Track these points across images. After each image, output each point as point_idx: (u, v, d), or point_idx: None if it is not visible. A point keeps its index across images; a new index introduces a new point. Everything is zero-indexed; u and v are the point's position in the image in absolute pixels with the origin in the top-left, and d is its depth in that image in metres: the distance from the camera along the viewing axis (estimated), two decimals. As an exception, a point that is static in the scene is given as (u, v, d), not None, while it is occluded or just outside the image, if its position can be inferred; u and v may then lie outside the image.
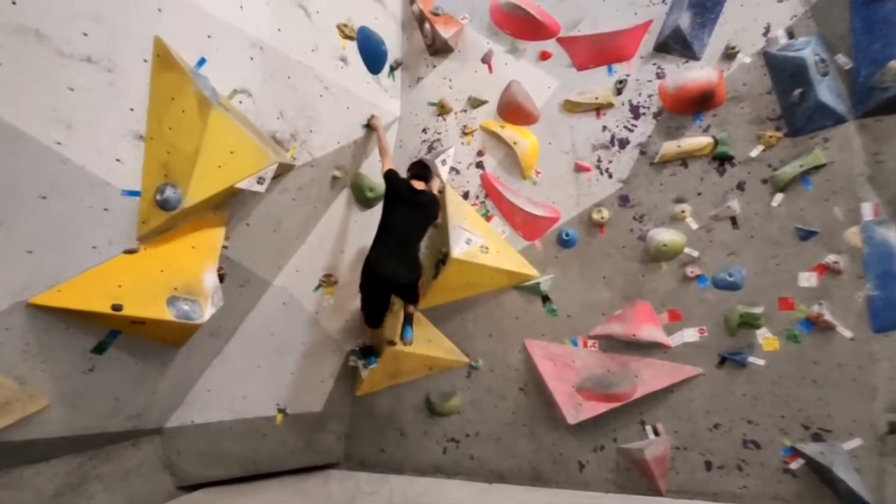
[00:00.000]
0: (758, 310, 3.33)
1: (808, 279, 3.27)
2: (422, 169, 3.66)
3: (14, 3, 2.17)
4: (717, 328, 3.47)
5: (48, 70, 2.30)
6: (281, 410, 4.04)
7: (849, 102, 3.14)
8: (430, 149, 4.19)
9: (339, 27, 3.64)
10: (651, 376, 3.51)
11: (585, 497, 3.52)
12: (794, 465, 3.23)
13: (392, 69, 4.13)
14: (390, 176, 3.56)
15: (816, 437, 3.20)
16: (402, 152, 4.17)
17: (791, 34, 3.28)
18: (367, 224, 4.20)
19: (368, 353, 4.07)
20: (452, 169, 4.13)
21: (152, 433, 3.59)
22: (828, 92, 3.13)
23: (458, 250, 3.72)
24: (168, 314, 2.73)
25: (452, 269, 3.75)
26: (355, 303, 4.12)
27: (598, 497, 3.55)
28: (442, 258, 3.90)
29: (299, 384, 4.12)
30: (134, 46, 2.58)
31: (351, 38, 3.73)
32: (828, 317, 3.18)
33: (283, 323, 3.92)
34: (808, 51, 3.13)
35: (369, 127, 3.82)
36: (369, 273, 3.52)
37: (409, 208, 3.51)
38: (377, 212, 4.10)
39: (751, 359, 3.38)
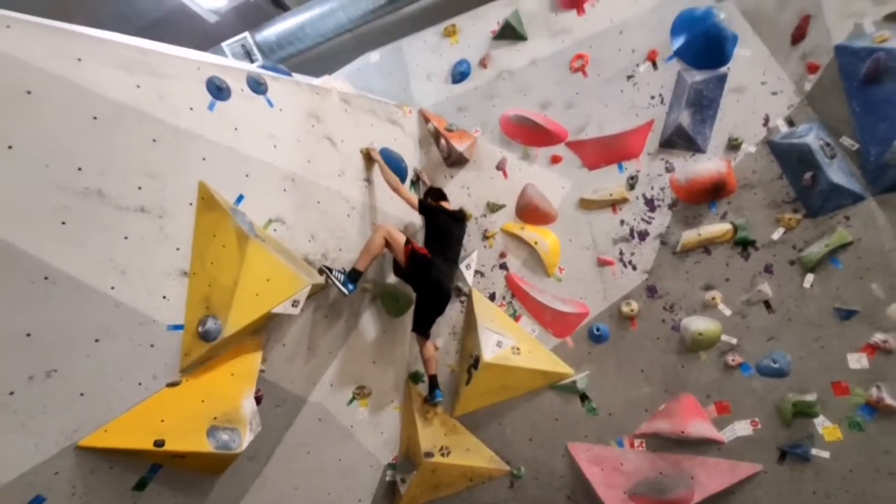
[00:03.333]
0: (811, 397, 3.16)
1: (858, 361, 3.13)
2: (440, 193, 4.10)
3: (80, 169, 2.46)
4: (770, 419, 3.28)
5: (107, 224, 2.54)
6: (322, 533, 3.85)
7: (863, 181, 3.19)
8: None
9: (362, 152, 3.95)
10: (708, 477, 3.28)
11: None
12: (887, 574, 2.89)
13: (413, 183, 4.39)
14: (426, 204, 3.88)
15: (906, 540, 2.89)
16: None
17: (791, 122, 3.42)
18: (396, 332, 4.26)
19: (353, 278, 3.49)
20: (477, 272, 4.22)
21: (189, 570, 3.44)
22: (839, 173, 3.20)
23: (489, 354, 3.71)
24: (208, 446, 2.74)
25: (485, 373, 3.72)
26: (389, 415, 4.07)
27: None
28: (474, 362, 3.87)
29: (345, 498, 3.96)
30: (181, 193, 2.84)
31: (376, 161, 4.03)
32: (889, 400, 3.00)
33: (319, 439, 3.86)
34: (812, 136, 3.25)
35: (368, 158, 3.94)
36: (435, 284, 3.66)
37: (454, 224, 3.90)
38: (406, 320, 4.19)
39: (814, 451, 3.15)
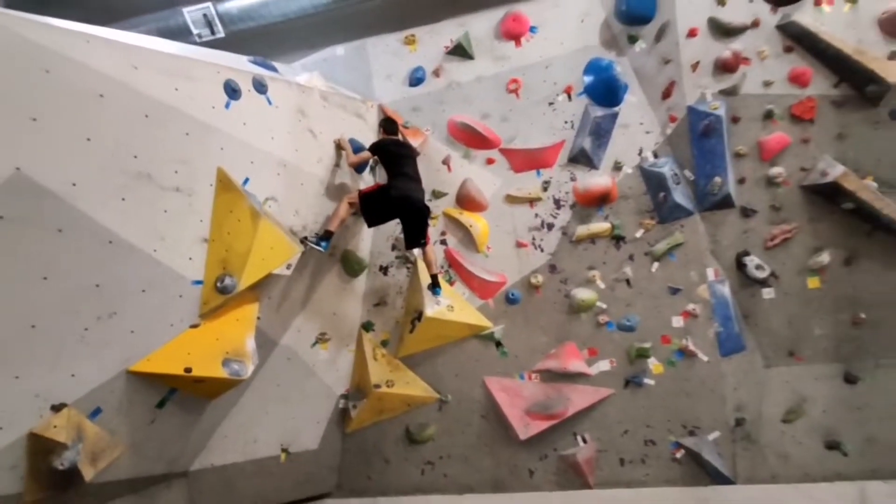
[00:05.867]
0: (647, 345, 4.71)
1: (678, 322, 4.71)
2: (392, 125, 4.81)
3: (135, 157, 3.11)
4: (621, 359, 4.80)
5: (153, 200, 3.22)
6: (284, 450, 4.79)
7: (694, 202, 4.69)
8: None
9: (335, 142, 4.75)
10: (579, 398, 4.75)
11: (538, 496, 4.62)
12: (679, 454, 4.56)
13: (372, 168, 5.26)
14: (378, 142, 4.63)
15: (691, 433, 4.56)
16: (381, 232, 5.24)
17: (656, 155, 4.83)
18: (354, 289, 5.21)
19: (326, 237, 4.32)
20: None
21: (181, 476, 4.27)
22: (681, 195, 4.67)
23: (430, 310, 4.81)
24: (223, 373, 3.59)
25: (426, 325, 4.83)
26: (344, 356, 5.08)
27: (546, 496, 4.65)
28: (417, 316, 4.95)
29: (299, 426, 4.92)
30: (204, 176, 3.54)
31: (344, 148, 4.84)
32: (692, 347, 4.61)
33: (287, 375, 4.75)
34: (667, 168, 4.68)
35: (339, 147, 4.72)
36: (399, 199, 4.31)
37: (407, 153, 4.61)
38: (361, 279, 5.16)
39: (646, 380, 4.71)
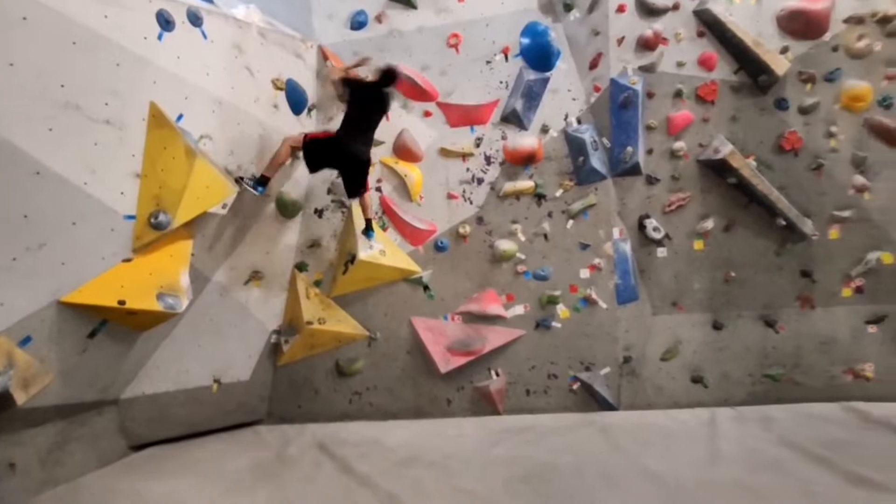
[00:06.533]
0: (557, 293, 5.31)
1: (585, 273, 5.32)
2: (390, 78, 4.50)
3: (63, 85, 3.03)
4: (535, 305, 5.38)
5: (82, 132, 3.18)
6: (216, 381, 5.01)
7: (608, 168, 5.20)
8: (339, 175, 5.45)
9: (273, 81, 4.71)
10: (495, 337, 5.31)
11: (453, 421, 5.21)
12: (575, 386, 5.30)
13: (310, 110, 5.27)
14: (364, 82, 4.48)
15: (587, 369, 5.29)
16: (317, 176, 5.33)
17: (579, 121, 5.24)
18: (288, 230, 5.33)
19: (262, 182, 4.42)
20: (358, 191, 5.45)
21: (111, 403, 4.41)
22: (597, 161, 5.16)
23: (363, 254, 5.08)
24: (158, 306, 3.72)
25: (359, 267, 5.10)
26: (277, 294, 5.27)
27: (461, 421, 5.26)
28: (350, 258, 5.20)
29: (231, 359, 5.12)
30: (136, 110, 3.50)
31: (281, 88, 4.82)
32: (595, 296, 5.26)
33: (220, 310, 4.90)
34: (588, 134, 5.12)
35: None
36: (347, 153, 4.43)
37: (381, 109, 4.59)
38: (296, 221, 5.29)
39: (554, 323, 5.34)
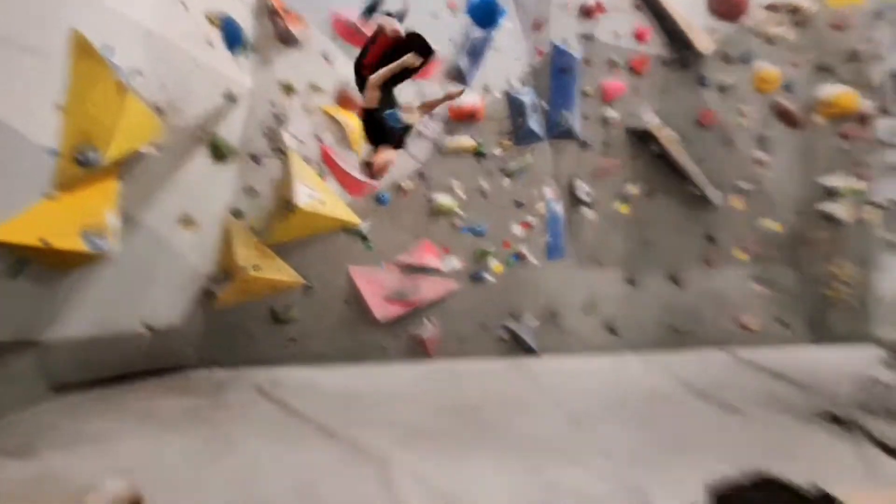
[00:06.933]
0: (492, 248, 5.60)
1: (518, 230, 5.64)
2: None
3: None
4: (470, 259, 5.66)
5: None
6: (145, 325, 4.92)
7: (545, 130, 5.45)
8: (278, 120, 5.32)
9: (208, 17, 4.45)
10: (430, 289, 5.56)
11: (388, 366, 5.47)
12: (505, 335, 5.70)
13: (246, 50, 5.04)
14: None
15: (516, 319, 5.70)
16: (253, 118, 5.19)
17: (521, 83, 5.41)
18: (221, 174, 5.17)
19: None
20: (297, 139, 5.36)
21: (32, 345, 4.23)
22: (536, 123, 5.39)
23: (302, 202, 5.06)
24: (83, 246, 3.59)
25: (297, 216, 5.08)
26: (210, 239, 5.17)
27: (396, 365, 5.53)
28: (288, 207, 5.16)
29: (161, 303, 5.02)
30: (60, 38, 3.24)
31: (217, 25, 4.57)
32: (526, 252, 5.62)
33: (149, 253, 4.75)
34: (528, 97, 5.31)
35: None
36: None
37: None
38: (233, 166, 5.16)
39: (487, 276, 5.66)
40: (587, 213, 5.80)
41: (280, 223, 5.23)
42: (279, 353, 5.50)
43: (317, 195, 5.19)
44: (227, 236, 5.30)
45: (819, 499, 1.88)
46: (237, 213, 5.33)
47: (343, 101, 5.33)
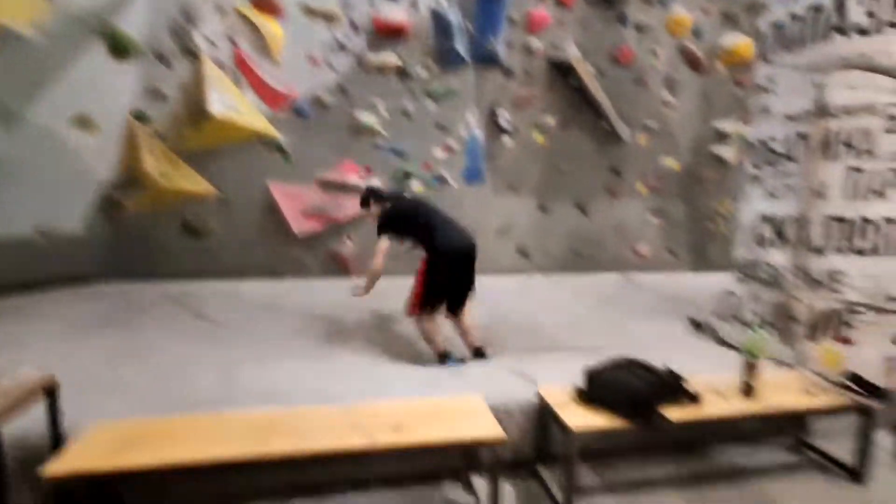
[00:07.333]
0: (413, 169, 5.70)
1: (440, 153, 5.76)
2: (377, 198, 3.57)
3: None
4: (392, 178, 5.74)
5: None
6: (42, 231, 4.64)
7: (471, 54, 5.48)
8: (187, 18, 4.92)
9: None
10: (350, 206, 5.61)
11: (304, 281, 5.57)
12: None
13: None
14: (381, 219, 3.40)
15: (432, 240, 5.93)
16: (157, 16, 4.76)
17: (449, 2, 5.33)
18: (119, 71, 4.77)
19: (446, 357, 3.15)
20: (209, 41, 5.01)
21: None
22: (461, 45, 5.38)
23: (216, 110, 4.83)
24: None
25: (212, 124, 4.86)
26: (112, 142, 4.84)
27: (313, 280, 5.65)
28: (201, 114, 4.90)
29: (58, 210, 4.74)
30: None
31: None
32: (445, 175, 5.78)
33: (41, 154, 4.41)
34: (454, 17, 5.26)
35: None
36: (450, 251, 3.21)
37: (420, 204, 3.62)
38: (137, 66, 4.78)
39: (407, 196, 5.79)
40: (506, 140, 6.02)
41: (191, 131, 4.98)
42: (193, 265, 5.42)
43: (232, 103, 4.97)
44: (131, 141, 4.99)
45: (667, 373, 2.33)
46: (141, 117, 5.01)
47: (260, 2, 5.00)
